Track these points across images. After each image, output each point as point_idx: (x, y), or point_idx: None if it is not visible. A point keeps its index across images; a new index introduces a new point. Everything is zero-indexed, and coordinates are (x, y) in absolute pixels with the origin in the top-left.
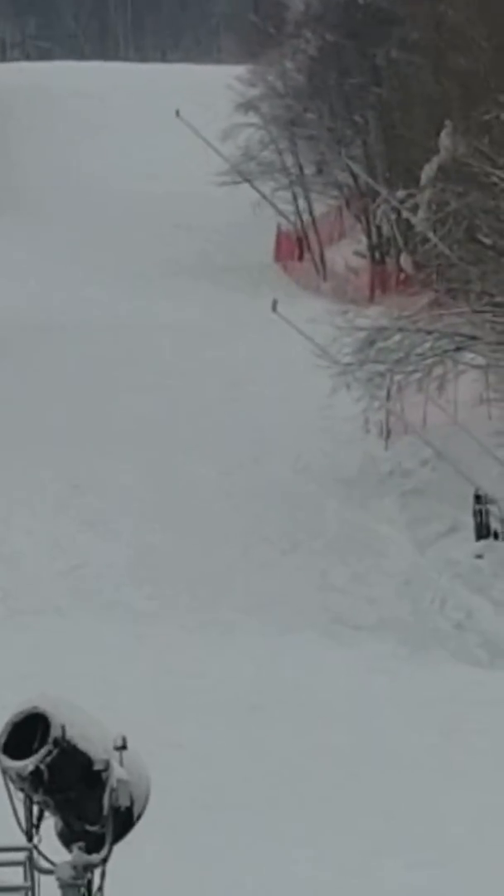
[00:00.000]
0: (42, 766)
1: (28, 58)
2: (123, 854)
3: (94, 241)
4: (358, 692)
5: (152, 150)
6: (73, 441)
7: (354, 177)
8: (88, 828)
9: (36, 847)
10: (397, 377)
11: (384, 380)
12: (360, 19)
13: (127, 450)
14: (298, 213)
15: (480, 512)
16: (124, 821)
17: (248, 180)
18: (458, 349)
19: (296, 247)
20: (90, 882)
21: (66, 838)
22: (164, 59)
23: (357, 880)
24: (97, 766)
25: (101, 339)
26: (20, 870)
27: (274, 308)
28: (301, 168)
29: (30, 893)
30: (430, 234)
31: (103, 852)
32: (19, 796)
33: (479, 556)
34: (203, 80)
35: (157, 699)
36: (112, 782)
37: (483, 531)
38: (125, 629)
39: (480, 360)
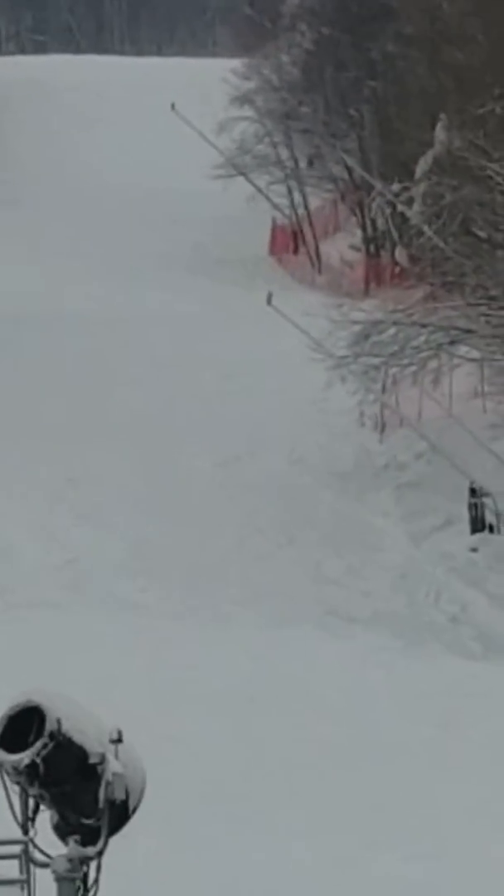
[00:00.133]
0: (37, 760)
1: (23, 51)
2: (119, 847)
3: (88, 234)
4: (353, 685)
5: (148, 144)
6: (68, 434)
7: (349, 170)
8: (84, 821)
9: (31, 840)
10: (392, 370)
11: (379, 373)
12: (356, 13)
13: (122, 443)
14: (293, 206)
15: (475, 505)
16: (120, 814)
17: (243, 173)
18: (452, 342)
19: (291, 240)
20: (86, 875)
21: (62, 831)
22: (159, 52)
23: (352, 872)
24: (93, 760)
25: (96, 332)
26: (16, 863)
27: (269, 301)
28: (296, 161)
29: (25, 887)
30: (425, 228)
31: (99, 845)
32: (15, 790)
33: (474, 550)
34: (198, 73)
35: (153, 692)
36: (107, 775)
37: (478, 524)
38: (120, 622)
39: (475, 354)
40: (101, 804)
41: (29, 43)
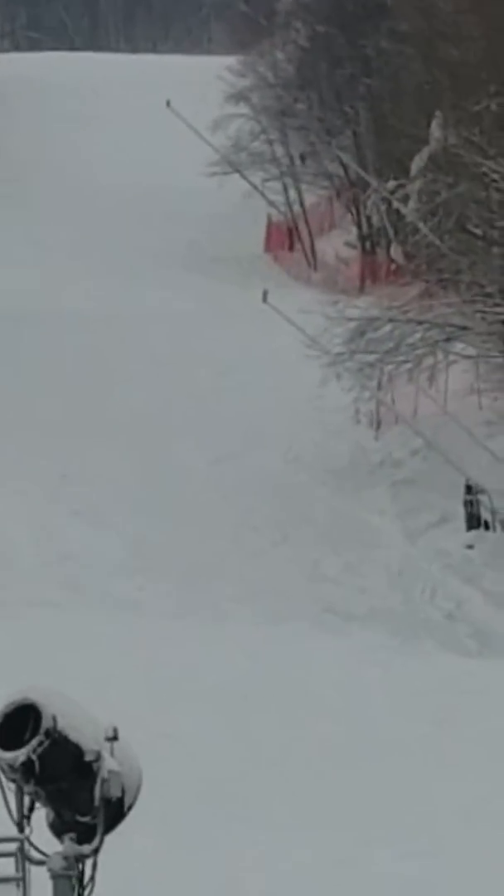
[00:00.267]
0: (33, 757)
1: (18, 48)
2: (115, 845)
3: (83, 232)
4: (349, 682)
5: (143, 141)
6: (63, 431)
7: (345, 167)
8: (80, 818)
9: (27, 838)
10: (388, 367)
11: (374, 370)
12: (351, 10)
13: (118, 440)
14: (289, 203)
15: (471, 502)
16: (116, 811)
17: (238, 171)
18: (448, 339)
19: (286, 237)
20: (82, 873)
21: (58, 829)
22: (154, 49)
23: (348, 870)
24: (88, 757)
25: (92, 329)
26: (12, 861)
27: (264, 298)
28: (291, 158)
29: (21, 884)
30: (421, 225)
31: (95, 843)
32: (10, 787)
33: (470, 547)
34: (193, 70)
35: (149, 689)
36: (103, 773)
37: (473, 521)
38: (116, 619)
39: (471, 351)
40: (96, 802)
41: (24, 40)
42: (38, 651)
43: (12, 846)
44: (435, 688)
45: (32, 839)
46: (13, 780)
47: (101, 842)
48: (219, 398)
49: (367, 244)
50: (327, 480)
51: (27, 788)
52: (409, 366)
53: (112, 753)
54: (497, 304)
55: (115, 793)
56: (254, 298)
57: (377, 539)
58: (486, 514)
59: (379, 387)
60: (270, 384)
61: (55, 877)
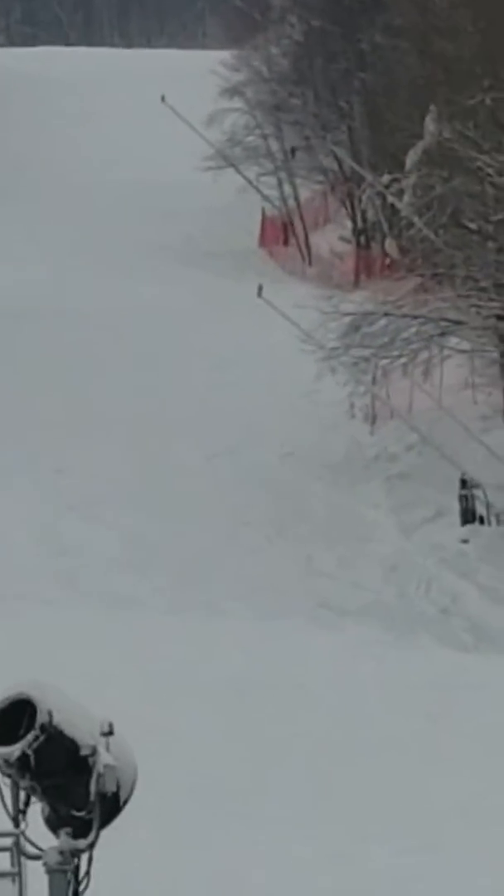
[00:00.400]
0: (29, 752)
1: (12, 43)
2: (111, 839)
3: (78, 226)
4: (344, 677)
5: (137, 136)
6: (58, 426)
7: (339, 162)
8: (75, 813)
9: (23, 833)
10: (382, 362)
11: (369, 364)
12: (346, 4)
13: (113, 435)
14: (283, 198)
15: (466, 497)
16: (111, 806)
17: (233, 165)
18: (443, 334)
19: (281, 232)
20: (77, 867)
21: (53, 824)
22: (149, 44)
23: (345, 866)
24: (84, 752)
25: (87, 323)
26: (7, 855)
27: (259, 293)
28: (286, 153)
29: (17, 879)
30: (415, 219)
31: (90, 838)
32: (6, 782)
33: (465, 541)
34: (188, 65)
35: (144, 684)
36: (99, 768)
37: (468, 516)
38: (111, 615)
39: (465, 345)
40: (92, 796)
41: (18, 35)
42: (33, 646)
43: (8, 841)
44: (430, 683)
45: (28, 834)
46: (9, 775)
47: (97, 837)
48: (214, 393)
49: (362, 239)
50: (322, 475)
51: (23, 783)
52: (403, 360)
53: (108, 748)
54: (492, 299)
55: (110, 788)
56: (248, 293)
57: (372, 534)
58: (481, 509)
59: (374, 381)
60: (265, 379)
61: (51, 871)
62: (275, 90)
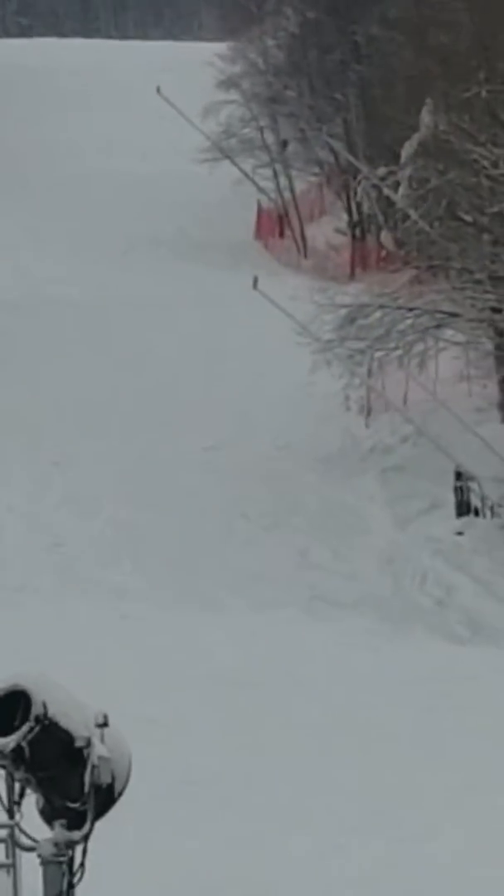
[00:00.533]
0: (23, 744)
1: (8, 34)
2: (105, 831)
3: (74, 218)
4: (339, 669)
5: (133, 127)
6: (55, 418)
7: (335, 154)
8: (70, 805)
9: (17, 824)
10: (378, 354)
11: (364, 357)
12: None
13: (109, 427)
14: (279, 190)
15: (461, 489)
16: (106, 798)
17: (228, 157)
18: (438, 326)
19: (276, 224)
20: (72, 859)
21: (48, 815)
22: (145, 36)
23: (337, 857)
24: (78, 744)
25: (81, 315)
26: (2, 847)
27: (255, 285)
28: (287, 144)
29: (11, 870)
30: (411, 212)
31: (85, 829)
32: (0, 774)
33: (460, 533)
34: (184, 57)
35: (139, 676)
36: (93, 759)
37: (463, 508)
38: (106, 606)
39: (461, 337)
40: (86, 788)
41: (14, 26)
42: (28, 638)
43: (2, 832)
44: (425, 675)
45: (22, 825)
46: (3, 767)
47: (92, 828)
48: (209, 385)
49: (358, 231)
50: (317, 467)
51: (17, 775)
52: (399, 352)
53: (102, 740)
54: (487, 291)
55: (105, 779)
56: (244, 285)
57: (367, 526)
58: (476, 501)
59: (369, 374)
60: (260, 371)
61: (45, 863)
62: (270, 82)
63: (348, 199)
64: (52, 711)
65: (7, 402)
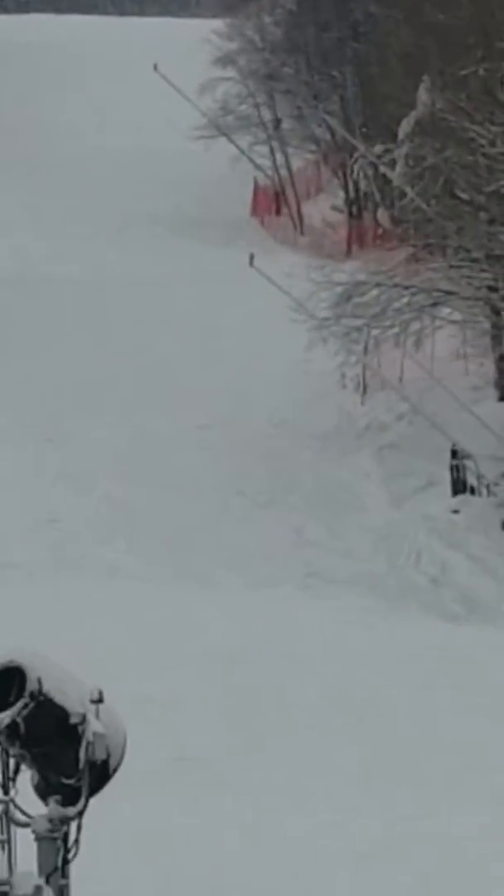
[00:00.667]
0: (18, 720)
1: (4, 10)
2: (100, 807)
3: (70, 195)
4: (334, 646)
5: (130, 104)
6: (48, 395)
7: (332, 131)
8: (65, 781)
9: (12, 800)
10: (374, 332)
11: (361, 335)
12: None
13: (104, 404)
14: (276, 167)
15: (457, 467)
16: (100, 774)
17: (225, 134)
18: (435, 304)
19: (273, 201)
20: (66, 835)
21: (43, 791)
22: (141, 12)
23: (330, 834)
24: (73, 720)
25: (76, 292)
26: None
27: (251, 262)
28: (278, 122)
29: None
30: (408, 189)
31: (79, 805)
32: None
33: (455, 511)
34: (181, 33)
35: (133, 653)
36: (88, 736)
37: (459, 486)
38: (101, 583)
39: (457, 316)
40: (81, 764)
41: (10, 2)
42: (23, 616)
43: None
44: (421, 652)
45: (17, 801)
46: None
47: (86, 804)
48: (205, 362)
49: (354, 208)
50: (313, 445)
51: (12, 751)
52: (395, 330)
53: (97, 716)
54: (483, 270)
55: (99, 755)
56: (240, 262)
57: (363, 503)
58: (471, 479)
59: (365, 351)
60: (257, 348)
61: (40, 839)
62: (267, 59)
63: (345, 176)
64: (48, 688)
65: (2, 378)
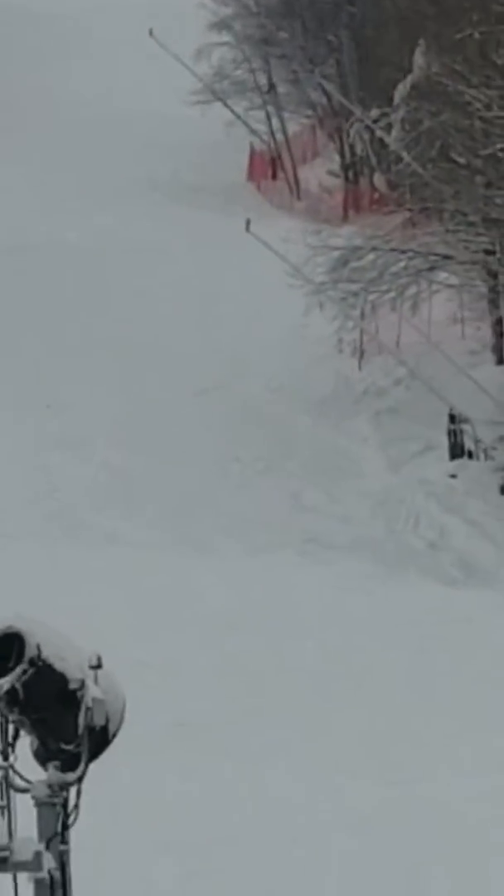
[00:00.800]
0: (17, 686)
1: None
2: (99, 773)
3: (65, 161)
4: (333, 611)
5: (125, 69)
6: (48, 362)
7: (328, 96)
8: (64, 747)
9: (11, 766)
10: (371, 297)
11: (358, 299)
12: None
13: (102, 371)
14: (272, 132)
15: (454, 431)
16: (99, 740)
17: (221, 99)
18: (431, 268)
19: (269, 166)
20: (66, 801)
21: (42, 757)
22: None
23: (328, 799)
24: (72, 686)
25: (73, 258)
26: None
27: (247, 227)
28: (274, 87)
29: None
30: (404, 154)
31: (79, 771)
32: None
33: (453, 476)
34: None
35: (132, 619)
36: (87, 701)
37: (457, 450)
38: (100, 550)
39: (454, 280)
40: (80, 730)
41: None
42: (22, 582)
43: None
44: (419, 617)
45: (17, 767)
46: None
47: (86, 770)
48: (202, 328)
49: (351, 173)
50: (310, 410)
51: (11, 717)
52: (392, 295)
53: (96, 682)
54: (480, 234)
55: (98, 721)
56: (237, 227)
57: (360, 469)
58: (469, 444)
59: (362, 316)
60: (253, 314)
61: (39, 804)
62: (263, 24)
63: (341, 140)
64: (46, 653)
65: (1, 345)
